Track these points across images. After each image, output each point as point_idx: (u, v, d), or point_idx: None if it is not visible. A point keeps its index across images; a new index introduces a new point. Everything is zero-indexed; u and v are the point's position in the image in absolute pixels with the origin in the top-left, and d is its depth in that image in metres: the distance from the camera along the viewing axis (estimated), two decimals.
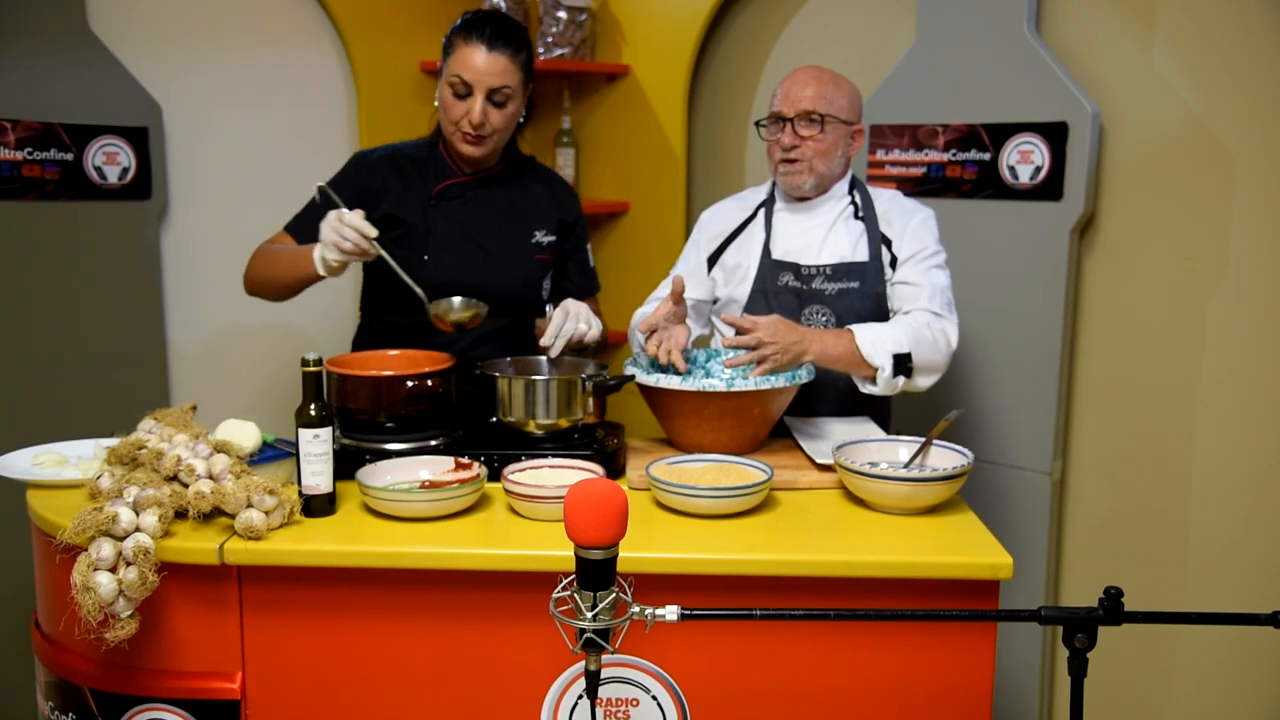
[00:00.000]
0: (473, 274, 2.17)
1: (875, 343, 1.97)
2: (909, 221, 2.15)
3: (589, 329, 2.07)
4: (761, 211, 2.25)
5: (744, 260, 2.22)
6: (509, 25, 2.11)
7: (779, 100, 2.15)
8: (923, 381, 2.03)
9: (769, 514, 1.75)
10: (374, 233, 1.91)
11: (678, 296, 2.01)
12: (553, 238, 2.28)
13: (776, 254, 2.19)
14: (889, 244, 2.14)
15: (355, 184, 2.17)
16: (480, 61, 2.06)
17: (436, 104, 2.17)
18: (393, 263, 1.98)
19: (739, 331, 1.93)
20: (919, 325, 2.02)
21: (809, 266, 2.15)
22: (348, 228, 1.91)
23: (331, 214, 1.95)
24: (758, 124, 2.20)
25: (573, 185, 3.36)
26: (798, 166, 2.14)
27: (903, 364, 1.98)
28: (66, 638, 1.67)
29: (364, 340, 2.29)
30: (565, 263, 2.33)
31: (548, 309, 2.08)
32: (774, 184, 2.27)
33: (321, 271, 1.98)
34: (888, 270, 2.13)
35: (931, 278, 2.10)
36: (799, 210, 2.21)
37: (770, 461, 1.85)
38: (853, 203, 2.20)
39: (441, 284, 2.13)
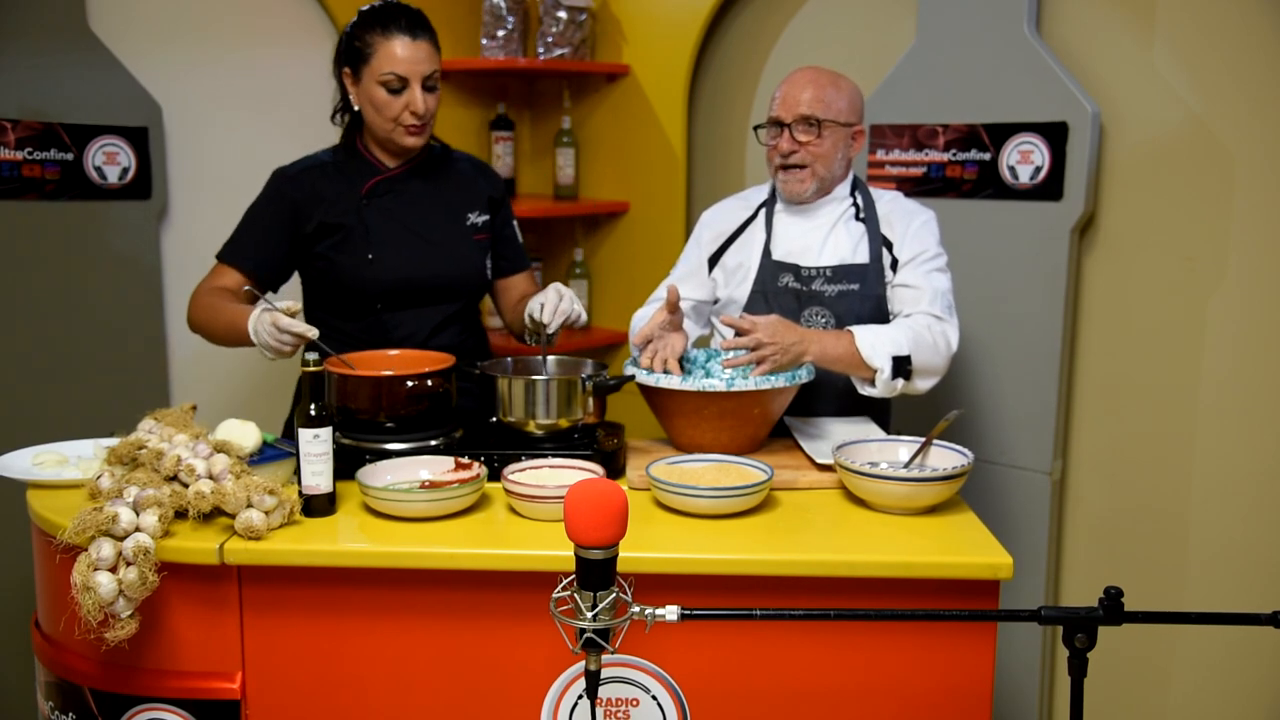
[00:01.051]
0: (418, 265, 2.17)
1: (875, 344, 1.97)
2: (910, 224, 2.15)
3: (580, 311, 2.09)
4: (762, 212, 2.25)
5: (744, 260, 2.22)
6: (416, 12, 2.11)
7: (777, 104, 2.15)
8: (922, 384, 2.03)
9: (769, 514, 1.75)
10: (314, 333, 1.87)
11: (672, 306, 2.01)
12: (486, 216, 2.28)
13: (777, 255, 2.19)
14: (890, 246, 2.14)
15: (283, 201, 2.16)
16: (409, 52, 2.06)
17: (357, 108, 2.14)
18: (331, 353, 1.93)
19: (739, 333, 1.93)
20: (919, 328, 2.02)
21: (809, 268, 2.15)
22: (288, 335, 1.87)
23: (265, 318, 1.88)
24: (756, 128, 2.20)
25: (573, 185, 3.36)
26: (798, 174, 2.13)
27: (902, 366, 1.97)
28: (66, 638, 1.67)
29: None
30: (495, 241, 2.32)
31: (530, 303, 2.08)
32: (775, 184, 2.27)
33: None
34: (888, 272, 2.13)
35: (932, 281, 2.10)
36: (800, 211, 2.21)
37: (770, 461, 1.85)
38: (854, 204, 2.19)
39: (390, 280, 2.14)
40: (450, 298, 2.22)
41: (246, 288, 2.03)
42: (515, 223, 2.38)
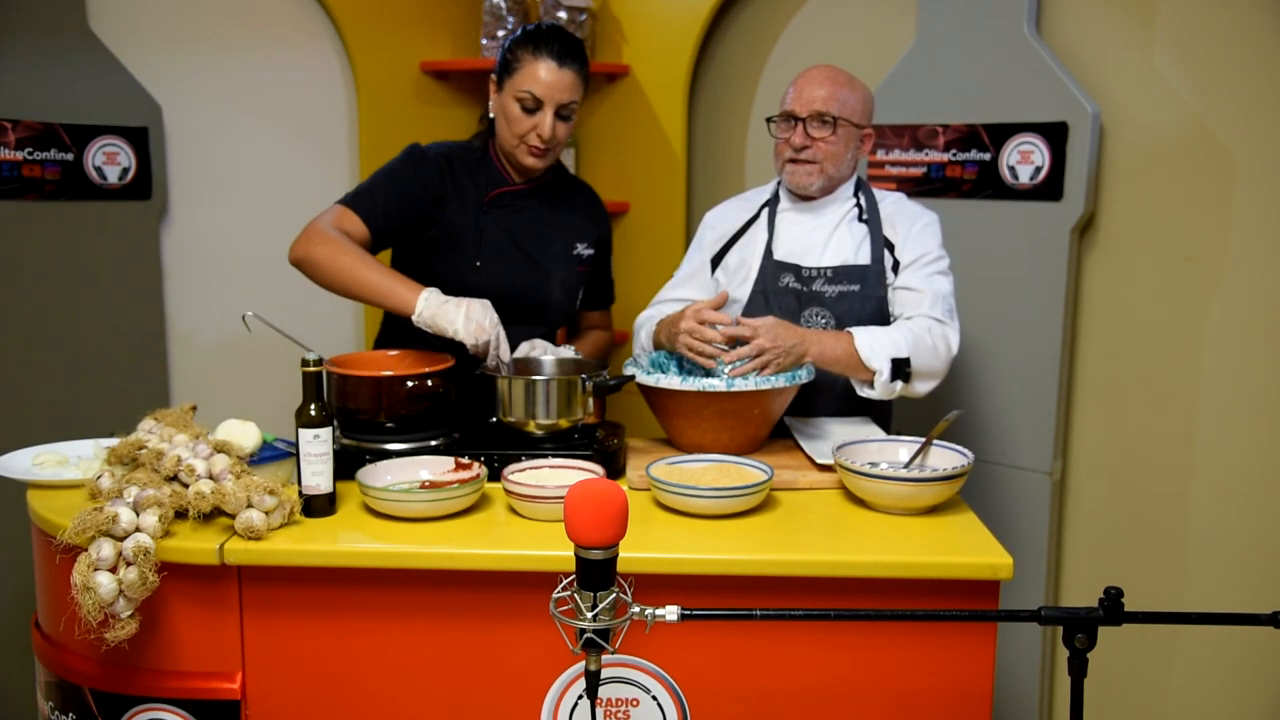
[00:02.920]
0: (521, 282, 2.19)
1: (874, 346, 1.97)
2: (912, 226, 2.14)
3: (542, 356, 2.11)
4: (765, 211, 2.25)
5: (746, 259, 2.22)
6: (574, 41, 2.13)
7: (791, 99, 2.15)
8: (921, 387, 2.03)
9: (769, 514, 1.75)
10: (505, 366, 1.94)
11: (717, 306, 2.03)
12: (591, 252, 2.31)
13: (778, 255, 2.19)
14: (892, 248, 2.14)
15: (421, 179, 2.14)
16: (552, 77, 2.08)
17: (493, 116, 2.18)
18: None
19: (739, 341, 1.93)
20: (919, 330, 2.02)
21: (810, 268, 2.14)
22: (491, 351, 1.93)
23: (494, 329, 1.92)
24: (768, 120, 2.20)
25: None
26: (807, 168, 2.13)
27: (901, 368, 1.97)
28: (66, 638, 1.67)
29: (386, 344, 2.26)
30: (590, 275, 2.35)
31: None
32: (779, 184, 2.26)
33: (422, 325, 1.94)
34: (889, 274, 2.13)
35: (934, 284, 2.09)
36: (803, 211, 2.21)
37: (770, 461, 1.85)
38: (858, 205, 2.19)
39: (492, 290, 2.10)
40: (538, 320, 2.23)
41: (249, 314, 1.95)
42: (611, 260, 2.42)
